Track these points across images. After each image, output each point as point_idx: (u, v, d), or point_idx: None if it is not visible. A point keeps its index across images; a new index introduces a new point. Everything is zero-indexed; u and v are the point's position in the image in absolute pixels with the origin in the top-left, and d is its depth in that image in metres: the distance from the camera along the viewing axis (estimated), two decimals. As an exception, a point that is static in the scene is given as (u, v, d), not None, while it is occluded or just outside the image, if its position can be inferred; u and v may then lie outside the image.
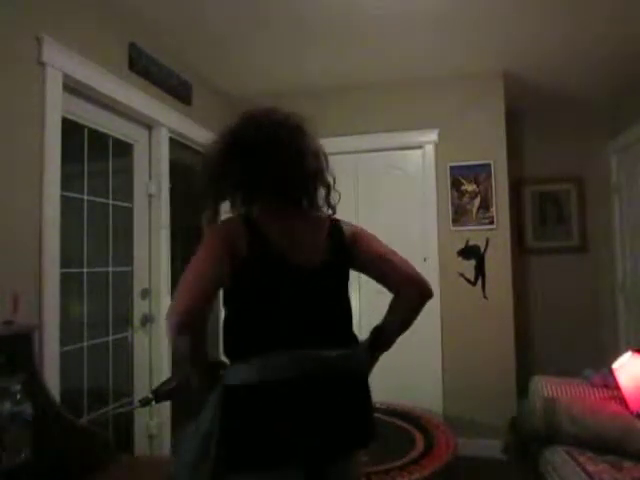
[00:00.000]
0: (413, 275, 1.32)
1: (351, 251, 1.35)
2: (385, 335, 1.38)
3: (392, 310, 1.38)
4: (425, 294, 1.33)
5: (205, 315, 1.17)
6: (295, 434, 1.15)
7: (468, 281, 3.38)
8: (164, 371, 2.80)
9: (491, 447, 3.06)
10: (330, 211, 1.40)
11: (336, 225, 1.37)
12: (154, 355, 2.81)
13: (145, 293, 2.81)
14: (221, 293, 1.30)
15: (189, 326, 1.13)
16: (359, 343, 1.35)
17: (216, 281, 1.20)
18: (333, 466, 1.25)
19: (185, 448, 1.20)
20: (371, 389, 1.33)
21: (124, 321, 2.71)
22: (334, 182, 1.40)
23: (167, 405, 2.78)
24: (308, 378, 1.17)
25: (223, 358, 1.30)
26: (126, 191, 2.76)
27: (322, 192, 1.38)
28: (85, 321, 2.41)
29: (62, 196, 2.14)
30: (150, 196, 2.86)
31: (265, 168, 1.29)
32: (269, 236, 1.25)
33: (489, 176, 3.38)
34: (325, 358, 1.20)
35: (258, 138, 1.29)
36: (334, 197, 1.40)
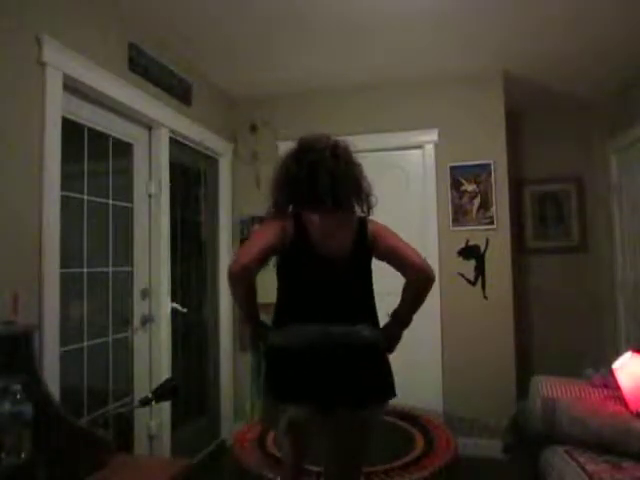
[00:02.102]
0: (418, 263, 1.65)
1: (372, 245, 1.72)
2: (400, 315, 1.74)
3: (403, 292, 1.71)
4: (427, 279, 1.66)
5: (255, 271, 1.60)
6: (304, 382, 1.59)
7: (468, 281, 3.38)
8: (164, 371, 2.81)
9: (491, 447, 3.06)
10: (366, 211, 1.80)
11: (362, 224, 1.75)
12: (154, 355, 2.82)
13: (145, 293, 2.81)
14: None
15: (243, 277, 1.58)
16: (370, 321, 1.70)
17: (269, 248, 1.63)
18: (342, 410, 1.63)
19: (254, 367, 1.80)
20: (381, 360, 1.69)
21: (124, 321, 2.71)
22: (370, 192, 1.82)
23: (167, 405, 2.78)
24: (314, 346, 1.59)
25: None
26: (126, 191, 2.76)
27: (361, 198, 1.79)
28: (85, 321, 2.41)
29: (62, 196, 2.14)
30: (150, 196, 2.86)
31: (317, 184, 1.71)
32: (309, 230, 1.68)
33: (489, 176, 3.38)
34: (330, 332, 1.60)
35: (313, 164, 1.74)
36: (371, 201, 1.81)
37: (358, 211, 1.81)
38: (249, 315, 1.73)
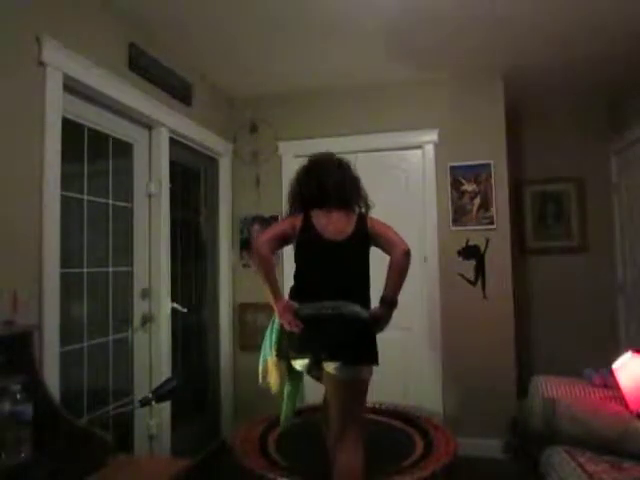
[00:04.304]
0: (396, 241, 2.10)
1: (368, 233, 2.14)
2: (387, 296, 2.09)
3: (387, 274, 2.10)
4: (402, 250, 2.07)
5: (271, 248, 2.11)
6: (310, 343, 2.04)
7: (468, 281, 3.38)
8: (164, 371, 2.81)
9: (491, 447, 3.06)
10: (365, 212, 2.24)
11: (362, 218, 2.19)
12: (154, 355, 2.82)
13: (145, 293, 2.81)
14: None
15: (259, 249, 2.07)
16: (361, 299, 2.07)
17: (281, 232, 2.15)
18: (329, 365, 2.02)
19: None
20: (366, 329, 2.06)
21: (124, 321, 2.71)
22: (367, 197, 2.28)
23: (167, 405, 2.78)
24: (321, 317, 2.01)
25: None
26: (126, 191, 2.76)
27: (360, 201, 2.25)
28: (85, 321, 2.41)
29: (62, 196, 2.14)
30: (150, 196, 2.86)
31: (324, 191, 2.18)
32: (314, 223, 2.13)
33: (489, 176, 3.38)
34: (330, 306, 2.01)
35: (321, 174, 2.21)
36: (369, 204, 2.28)
37: (358, 211, 2.23)
38: (271, 287, 2.11)
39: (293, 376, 2.24)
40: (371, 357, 2.05)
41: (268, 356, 2.21)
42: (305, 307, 2.06)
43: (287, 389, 2.25)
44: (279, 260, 3.41)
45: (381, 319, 2.09)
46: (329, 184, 2.18)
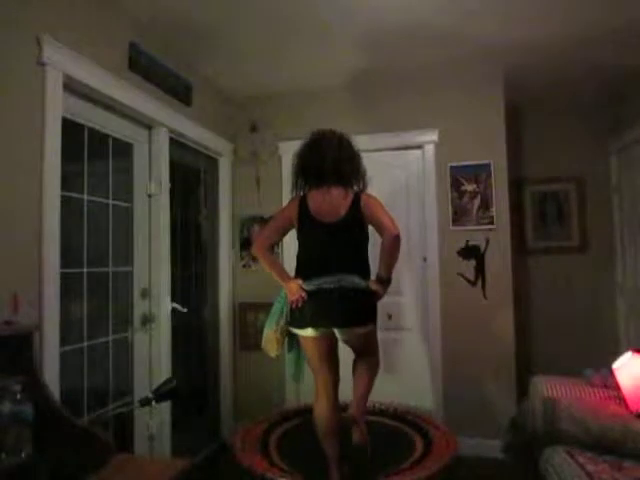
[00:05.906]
0: (386, 225, 2.23)
1: (362, 212, 2.27)
2: (381, 275, 2.29)
3: (380, 252, 2.28)
4: (392, 235, 2.21)
5: (270, 244, 2.38)
6: (313, 313, 2.22)
7: (468, 281, 3.38)
8: (164, 371, 2.81)
9: (491, 447, 3.06)
10: (362, 188, 2.37)
11: (357, 196, 2.31)
12: (154, 355, 2.82)
13: (145, 293, 2.81)
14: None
15: (260, 249, 2.35)
16: (360, 271, 2.26)
17: (282, 228, 2.39)
18: (338, 328, 2.28)
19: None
20: (365, 296, 2.26)
21: (124, 321, 2.71)
22: (365, 173, 2.40)
23: (167, 405, 2.78)
24: (323, 290, 2.21)
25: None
26: (126, 191, 2.76)
27: (358, 177, 2.37)
28: (85, 321, 2.42)
29: (62, 196, 2.14)
30: (150, 196, 2.86)
31: (323, 167, 2.30)
32: (310, 205, 2.31)
33: (489, 176, 3.38)
34: (331, 280, 2.20)
35: (321, 150, 2.33)
36: (367, 181, 2.40)
37: (356, 188, 2.35)
38: (277, 274, 2.34)
39: (294, 345, 2.48)
40: (372, 318, 2.29)
41: (269, 328, 2.40)
42: (309, 284, 2.23)
43: (289, 356, 2.52)
44: (279, 257, 3.41)
45: (376, 292, 2.29)
46: (328, 160, 2.29)
